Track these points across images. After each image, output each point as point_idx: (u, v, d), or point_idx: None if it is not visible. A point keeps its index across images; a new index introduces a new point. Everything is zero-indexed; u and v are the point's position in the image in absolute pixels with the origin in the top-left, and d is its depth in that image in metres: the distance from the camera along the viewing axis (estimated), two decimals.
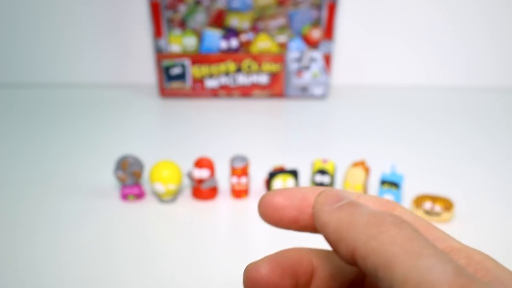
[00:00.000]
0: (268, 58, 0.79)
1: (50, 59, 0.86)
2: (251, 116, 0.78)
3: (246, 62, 0.79)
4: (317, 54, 0.79)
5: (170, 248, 0.50)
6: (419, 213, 0.53)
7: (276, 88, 0.82)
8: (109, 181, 0.60)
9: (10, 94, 0.85)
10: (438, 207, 0.52)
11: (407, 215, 0.18)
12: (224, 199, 0.57)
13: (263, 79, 0.81)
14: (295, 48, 0.79)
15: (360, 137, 0.72)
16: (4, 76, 0.87)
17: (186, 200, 0.57)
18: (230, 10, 0.76)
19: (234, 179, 0.56)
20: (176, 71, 0.80)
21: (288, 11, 0.76)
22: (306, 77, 0.81)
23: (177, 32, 0.77)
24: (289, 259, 0.19)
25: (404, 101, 0.84)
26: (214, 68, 0.80)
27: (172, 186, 0.54)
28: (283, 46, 0.79)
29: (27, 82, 0.88)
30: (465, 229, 0.53)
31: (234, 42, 0.78)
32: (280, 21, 0.77)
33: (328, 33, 0.77)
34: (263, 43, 0.78)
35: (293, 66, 0.80)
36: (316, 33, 0.78)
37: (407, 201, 0.56)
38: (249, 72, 0.80)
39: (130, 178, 0.56)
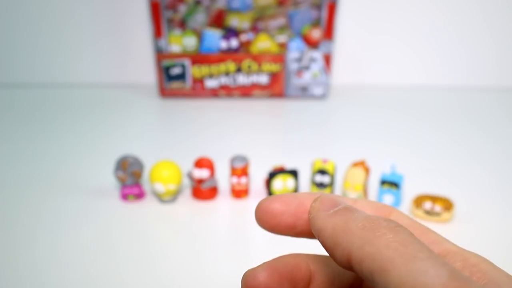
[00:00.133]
0: (268, 58, 0.79)
1: (50, 59, 0.87)
2: (251, 116, 0.78)
3: (246, 62, 0.79)
4: (317, 54, 0.79)
5: (170, 248, 0.50)
6: (419, 213, 0.53)
7: (276, 88, 0.82)
8: (109, 181, 0.60)
9: (10, 94, 0.85)
10: (438, 207, 0.52)
11: (403, 220, 0.18)
12: (224, 199, 0.57)
13: (263, 79, 0.81)
14: (295, 48, 0.79)
15: (360, 137, 0.72)
16: (4, 76, 0.88)
17: (186, 200, 0.57)
18: (230, 10, 0.76)
19: (234, 179, 0.56)
20: (176, 71, 0.80)
21: (288, 11, 0.76)
22: (306, 77, 0.81)
23: (177, 32, 0.78)
24: (287, 265, 0.19)
25: (404, 101, 0.84)
26: (214, 68, 0.80)
27: (172, 186, 0.55)
28: (283, 46, 0.79)
29: (27, 82, 0.88)
30: (465, 229, 0.53)
31: (234, 42, 0.78)
32: (280, 21, 0.77)
33: (328, 33, 0.77)
34: (263, 43, 0.78)
35: (293, 66, 0.80)
36: (316, 33, 0.78)
37: (407, 201, 0.56)
38: (249, 72, 0.80)
39: (130, 178, 0.56)
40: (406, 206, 0.56)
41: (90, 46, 0.85)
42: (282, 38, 0.78)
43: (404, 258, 0.14)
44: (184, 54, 0.79)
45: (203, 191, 0.56)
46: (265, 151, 0.67)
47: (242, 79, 0.81)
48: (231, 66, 0.79)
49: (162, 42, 0.78)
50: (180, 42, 0.78)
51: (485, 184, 0.61)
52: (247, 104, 0.82)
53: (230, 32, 0.77)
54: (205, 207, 0.56)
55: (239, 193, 0.57)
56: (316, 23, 0.77)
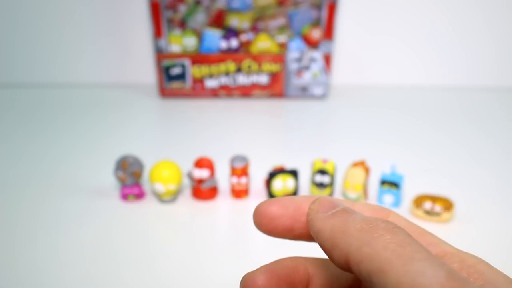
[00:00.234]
0: (268, 58, 0.79)
1: (50, 59, 0.87)
2: (251, 116, 0.78)
3: (246, 62, 0.79)
4: (317, 54, 0.79)
5: (170, 248, 0.50)
6: (419, 213, 0.53)
7: (276, 88, 0.82)
8: (109, 181, 0.60)
9: (10, 94, 0.85)
10: (438, 207, 0.53)
11: (401, 221, 0.18)
12: (224, 199, 0.58)
13: (263, 79, 0.81)
14: (295, 48, 0.79)
15: (360, 137, 0.72)
16: (4, 76, 0.88)
17: (186, 200, 0.57)
18: (230, 10, 0.76)
19: (234, 179, 0.56)
20: (176, 71, 0.80)
21: (288, 11, 0.76)
22: (306, 77, 0.81)
23: (177, 32, 0.78)
24: (285, 268, 0.20)
25: (404, 101, 0.84)
26: (214, 68, 0.80)
27: (172, 186, 0.55)
28: (283, 46, 0.79)
29: (27, 82, 0.88)
30: (465, 229, 0.53)
31: (234, 42, 0.78)
32: (280, 21, 0.77)
33: (328, 33, 0.77)
34: (263, 43, 0.78)
35: (293, 66, 0.80)
36: (316, 33, 0.78)
37: (407, 201, 0.56)
38: (249, 72, 0.80)
39: (130, 178, 0.56)
40: (406, 206, 0.56)
41: (90, 46, 0.85)
42: (282, 38, 0.78)
43: (402, 259, 0.14)
44: (184, 54, 0.79)
45: (203, 191, 0.56)
46: (265, 151, 0.67)
47: (242, 79, 0.81)
48: (231, 66, 0.79)
49: (162, 42, 0.78)
50: (180, 42, 0.78)
51: (485, 184, 0.61)
52: (247, 104, 0.82)
53: (230, 32, 0.77)
54: (205, 207, 0.56)
55: (239, 193, 0.57)
56: (316, 23, 0.77)
